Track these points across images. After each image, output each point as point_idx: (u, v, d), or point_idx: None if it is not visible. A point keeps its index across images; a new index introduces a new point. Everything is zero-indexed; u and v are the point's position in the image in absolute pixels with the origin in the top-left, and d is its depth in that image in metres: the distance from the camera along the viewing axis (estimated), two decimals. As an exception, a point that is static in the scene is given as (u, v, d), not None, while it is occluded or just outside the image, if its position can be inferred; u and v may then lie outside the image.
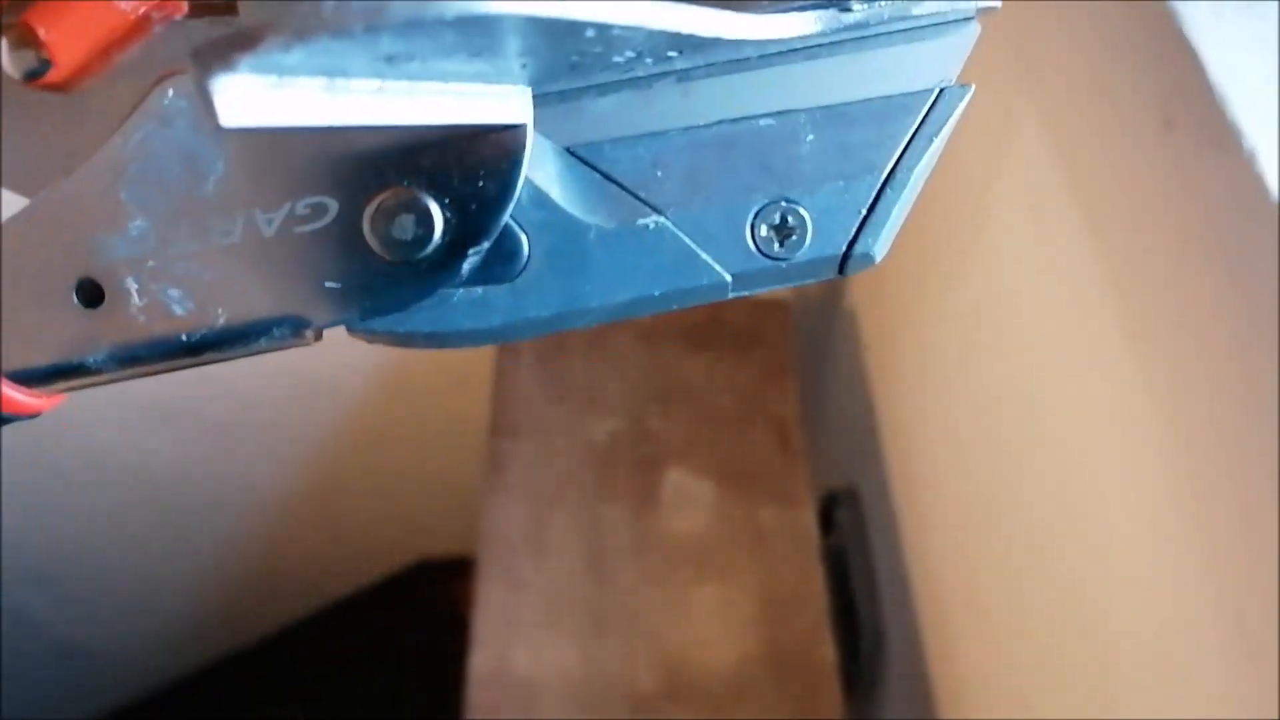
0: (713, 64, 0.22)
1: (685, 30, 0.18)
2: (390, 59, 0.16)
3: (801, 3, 0.21)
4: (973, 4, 0.22)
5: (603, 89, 0.21)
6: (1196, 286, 0.54)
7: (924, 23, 0.22)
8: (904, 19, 0.21)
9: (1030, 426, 0.76)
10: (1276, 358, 0.46)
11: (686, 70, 0.21)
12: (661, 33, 0.18)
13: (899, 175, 0.22)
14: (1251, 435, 0.49)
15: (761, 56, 0.21)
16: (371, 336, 0.21)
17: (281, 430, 1.39)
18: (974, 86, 0.22)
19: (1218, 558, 0.53)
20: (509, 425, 1.21)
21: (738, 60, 0.21)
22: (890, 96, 0.22)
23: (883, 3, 0.21)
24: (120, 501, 1.39)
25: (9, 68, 0.20)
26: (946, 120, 0.22)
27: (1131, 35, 0.59)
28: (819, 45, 0.21)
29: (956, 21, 0.22)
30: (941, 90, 0.22)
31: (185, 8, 0.20)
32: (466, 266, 0.20)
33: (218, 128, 0.15)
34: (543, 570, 1.12)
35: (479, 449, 1.21)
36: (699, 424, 1.20)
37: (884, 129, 0.22)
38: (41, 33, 0.19)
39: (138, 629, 1.68)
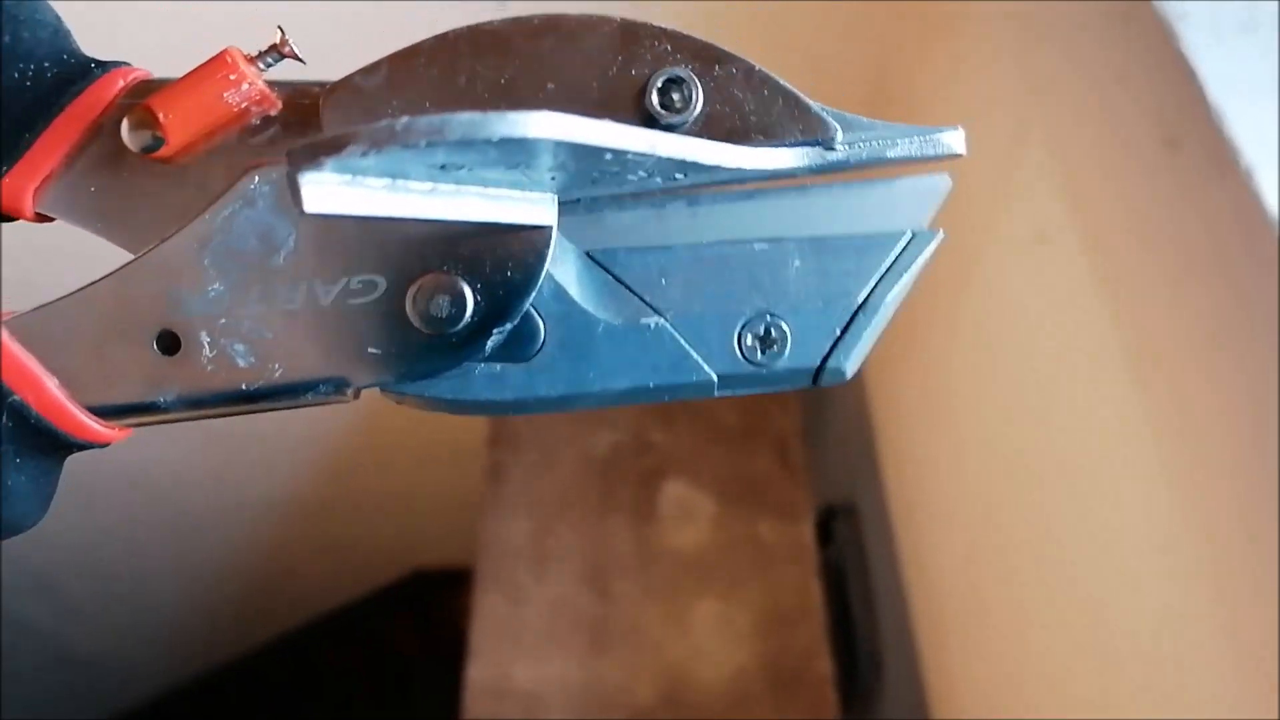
0: (717, 194, 0.25)
1: (689, 158, 0.22)
2: (444, 167, 0.20)
3: (791, 140, 0.24)
4: (949, 147, 0.25)
5: (621, 204, 0.25)
6: (1197, 305, 0.54)
7: (899, 161, 0.25)
8: (881, 160, 0.24)
9: (1030, 443, 0.76)
10: (1276, 375, 0.46)
11: (693, 194, 0.25)
12: (669, 159, 0.21)
13: (871, 303, 0.25)
14: (1253, 455, 0.50)
15: (758, 189, 0.25)
16: (400, 399, 0.24)
17: (282, 440, 1.39)
18: (942, 233, 0.25)
19: (1219, 574, 0.53)
20: (509, 437, 1.22)
21: (740, 189, 0.25)
22: (870, 234, 0.25)
23: (861, 145, 0.24)
24: (120, 512, 1.38)
25: (129, 142, 0.24)
26: (916, 259, 0.25)
27: (1133, 57, 0.59)
28: (810, 179, 0.25)
29: (930, 175, 0.25)
30: (914, 234, 0.25)
31: (280, 105, 0.24)
32: (491, 343, 0.23)
33: (301, 213, 0.18)
34: (542, 582, 1.12)
35: (479, 460, 1.22)
36: (700, 438, 1.20)
37: (862, 262, 0.25)
38: (161, 116, 0.23)
39: (137, 638, 1.68)
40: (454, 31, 0.23)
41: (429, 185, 0.21)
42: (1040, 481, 0.75)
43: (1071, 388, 0.69)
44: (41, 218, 0.24)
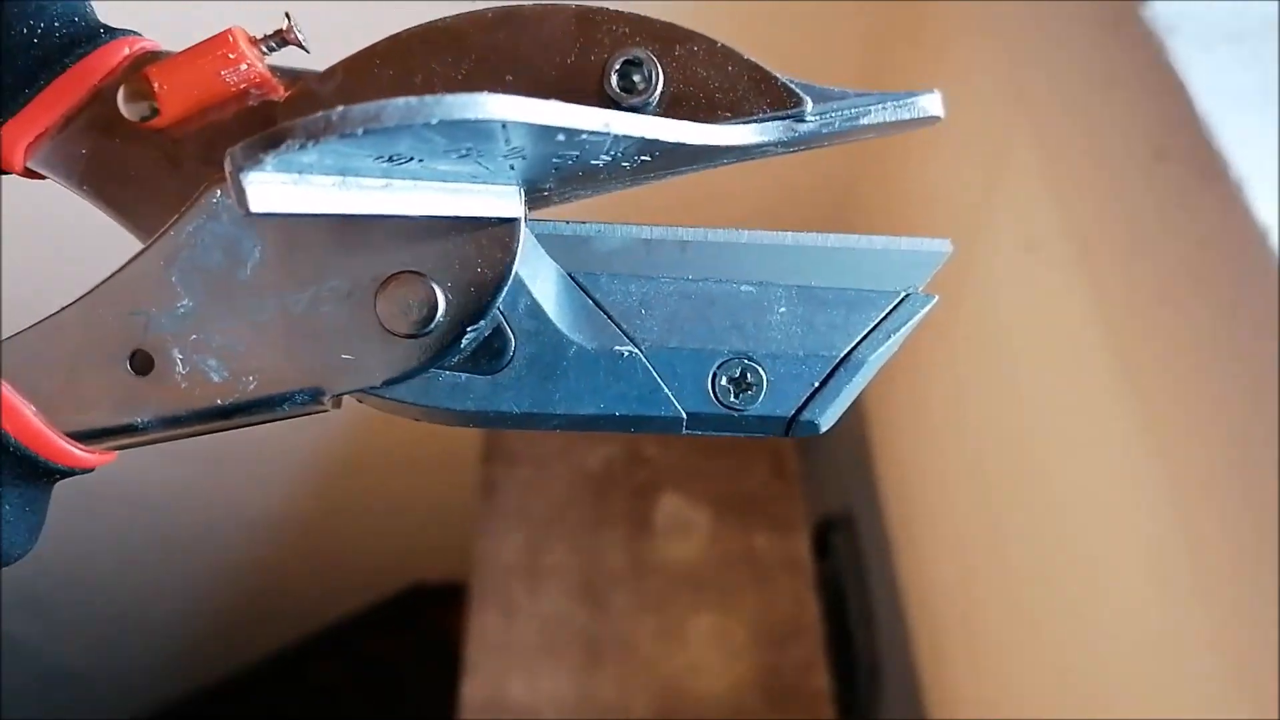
0: (709, 233, 0.24)
1: (648, 135, 0.21)
2: (392, 159, 0.19)
3: (761, 115, 0.23)
4: (924, 109, 0.24)
5: (610, 229, 0.24)
6: (1187, 314, 0.54)
7: (873, 128, 0.24)
8: (855, 128, 0.24)
9: (1023, 453, 0.76)
10: (1275, 384, 0.46)
11: (685, 233, 0.24)
12: (627, 138, 0.21)
13: (853, 359, 0.24)
14: (1246, 462, 0.49)
15: (752, 234, 0.24)
16: (362, 399, 0.24)
17: (275, 455, 1.39)
18: (937, 298, 0.25)
19: (1210, 584, 0.53)
20: (503, 451, 1.21)
21: (733, 231, 0.24)
22: (861, 290, 0.25)
23: (833, 115, 0.23)
24: (113, 528, 1.38)
25: (124, 110, 0.23)
26: (907, 322, 0.25)
27: (1122, 67, 0.59)
28: (796, 236, 0.25)
29: (931, 239, 0.25)
30: (906, 295, 0.25)
31: (282, 92, 0.24)
32: (465, 341, 0.23)
33: (246, 214, 0.18)
34: (536, 597, 1.11)
35: (473, 474, 1.21)
36: (694, 450, 1.20)
37: (849, 316, 0.24)
38: (156, 86, 0.23)
39: (130, 654, 1.67)
40: (407, 31, 0.23)
41: (383, 181, 0.21)
42: (1034, 490, 0.75)
43: (1064, 397, 0.69)
44: (31, 174, 0.24)
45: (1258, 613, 0.48)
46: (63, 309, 0.23)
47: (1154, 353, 0.58)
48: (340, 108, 0.17)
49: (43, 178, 0.24)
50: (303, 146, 0.17)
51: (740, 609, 1.09)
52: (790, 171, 1.09)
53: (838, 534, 1.19)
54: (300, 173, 0.19)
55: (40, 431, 0.23)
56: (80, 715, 1.68)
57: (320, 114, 0.17)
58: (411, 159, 0.20)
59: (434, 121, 0.17)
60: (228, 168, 0.18)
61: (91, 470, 0.24)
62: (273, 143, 0.17)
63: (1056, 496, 0.71)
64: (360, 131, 0.17)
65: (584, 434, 1.21)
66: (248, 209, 0.18)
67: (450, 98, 0.17)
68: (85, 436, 0.23)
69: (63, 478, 0.24)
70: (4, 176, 0.25)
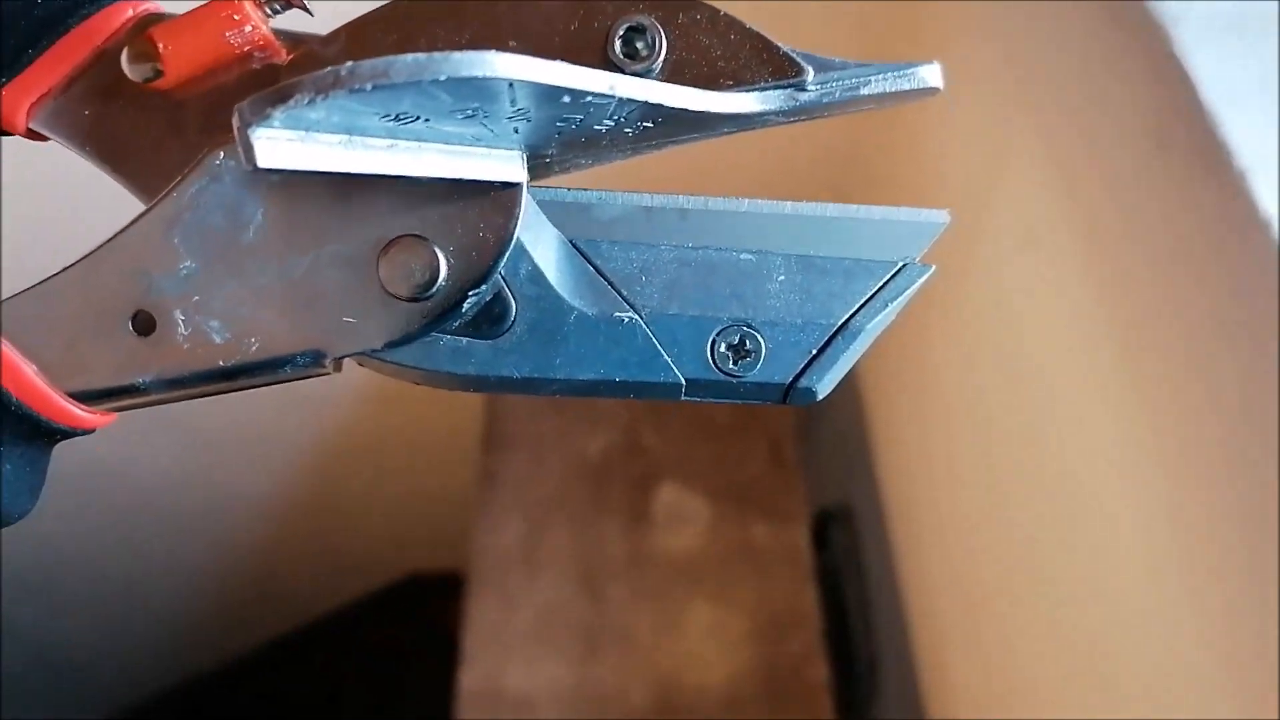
0: (709, 200, 0.25)
1: (651, 99, 0.21)
2: (398, 118, 0.19)
3: (762, 84, 0.23)
4: (924, 80, 0.24)
5: (611, 195, 0.25)
6: (1190, 305, 0.54)
7: (874, 98, 0.24)
8: (855, 97, 0.24)
9: (1024, 444, 0.76)
10: (1274, 373, 0.46)
11: (685, 201, 0.25)
12: (631, 101, 0.21)
13: (851, 328, 0.25)
14: (1248, 452, 0.49)
15: (752, 201, 0.25)
16: (363, 361, 0.24)
17: (274, 442, 1.39)
18: (934, 268, 0.25)
19: (1212, 577, 0.53)
20: (501, 439, 1.21)
21: (733, 199, 0.25)
22: (859, 259, 0.25)
23: (834, 84, 0.24)
24: (112, 514, 1.38)
25: (128, 71, 0.23)
26: (904, 291, 0.25)
27: (1125, 58, 0.59)
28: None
29: (929, 210, 0.25)
30: (904, 265, 0.25)
31: (284, 55, 0.24)
32: (467, 305, 0.23)
33: (253, 168, 0.18)
34: (534, 586, 1.11)
35: (471, 463, 1.21)
36: (693, 440, 1.20)
37: (847, 285, 0.25)
38: (160, 47, 0.23)
39: (128, 641, 1.67)
40: None
41: (387, 141, 0.21)
42: (1035, 482, 0.75)
43: (1066, 389, 0.69)
44: (34, 135, 0.24)
45: (1259, 612, 0.48)
46: (64, 270, 0.23)
47: (1156, 342, 0.57)
48: (349, 63, 0.17)
49: (45, 139, 0.24)
50: (311, 102, 0.17)
51: (738, 600, 1.10)
52: (793, 160, 1.09)
53: (836, 525, 1.19)
54: (307, 129, 0.19)
55: (42, 391, 0.23)
56: (78, 701, 1.68)
57: (329, 69, 0.17)
58: (417, 118, 0.20)
59: (442, 78, 0.17)
60: (235, 123, 0.18)
61: (92, 431, 0.24)
62: (281, 98, 0.17)
63: (1056, 486, 0.71)
64: (369, 87, 0.17)
65: (581, 422, 1.21)
66: (255, 164, 0.18)
67: (459, 55, 0.17)
68: (87, 397, 0.23)
69: (64, 438, 0.24)
70: (6, 138, 0.25)
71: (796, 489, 1.17)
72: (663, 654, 1.06)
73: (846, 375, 0.25)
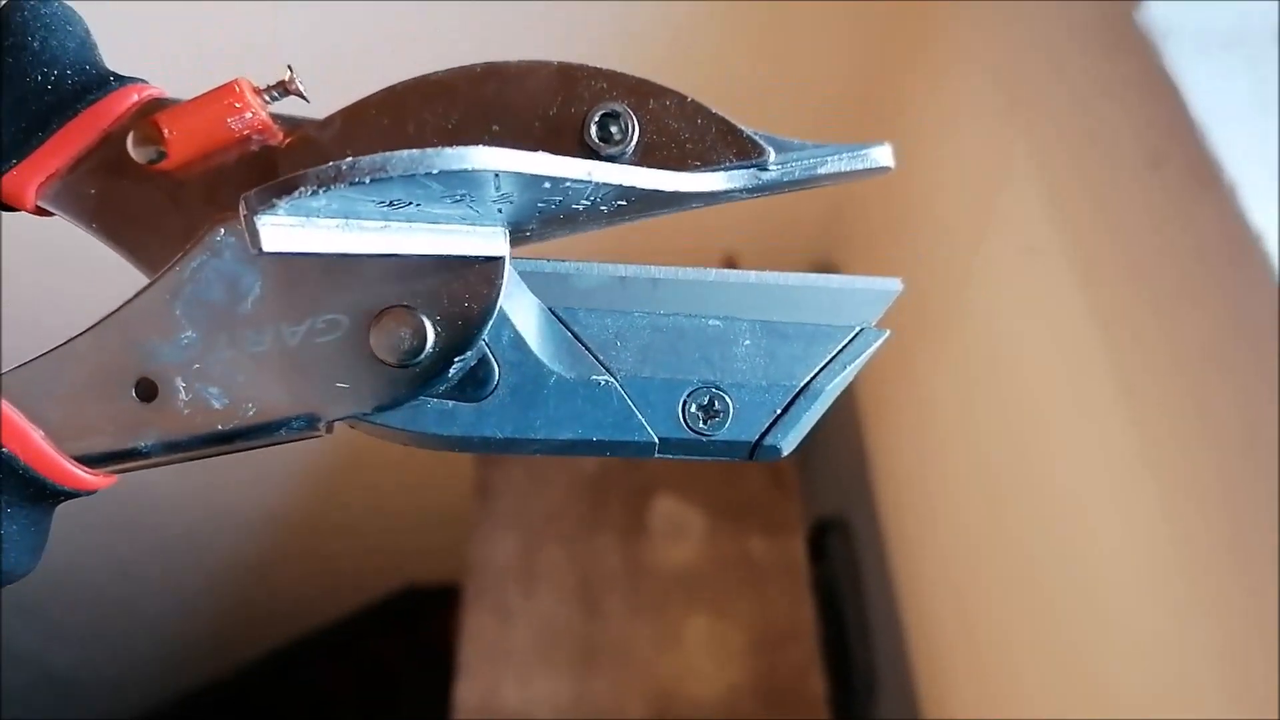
0: (678, 271, 0.26)
1: (626, 183, 0.23)
2: (392, 204, 0.21)
3: (727, 164, 0.25)
4: (876, 160, 0.26)
5: (587, 267, 0.26)
6: (1184, 321, 0.54)
7: (831, 177, 0.26)
8: (813, 177, 0.26)
9: (1019, 458, 0.76)
10: (1271, 386, 0.46)
11: (655, 272, 0.27)
12: (607, 185, 0.23)
13: (812, 389, 0.26)
14: (1243, 464, 0.49)
15: (719, 273, 0.27)
16: (354, 424, 0.26)
17: (270, 456, 1.38)
18: (889, 332, 0.27)
19: (1207, 590, 0.53)
20: (498, 455, 1.21)
21: (700, 270, 0.27)
22: (820, 324, 0.26)
23: (794, 164, 0.25)
24: (108, 529, 1.38)
25: (133, 153, 0.25)
26: (861, 354, 0.26)
27: (1117, 73, 0.59)
28: (758, 274, 0.27)
29: (883, 278, 0.27)
30: (861, 329, 0.27)
31: (281, 137, 0.25)
32: (453, 371, 0.24)
33: (259, 253, 0.20)
34: (532, 600, 1.11)
35: (468, 476, 1.21)
36: (690, 453, 1.20)
37: (809, 349, 0.26)
38: (165, 131, 0.24)
39: (125, 656, 1.67)
40: (402, 83, 0.25)
41: (381, 223, 0.23)
42: (1031, 495, 0.75)
43: (1060, 404, 0.69)
44: (41, 211, 0.26)
45: (1256, 617, 0.48)
46: (71, 339, 0.24)
47: (1151, 357, 0.58)
48: (350, 158, 0.19)
49: (51, 214, 0.26)
50: (314, 193, 0.19)
51: (735, 613, 1.09)
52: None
53: (833, 538, 1.19)
54: (308, 216, 0.21)
55: (48, 455, 0.24)
56: (74, 717, 1.68)
57: (331, 164, 0.19)
58: (410, 204, 0.22)
59: (434, 171, 0.19)
60: (242, 210, 0.20)
61: (94, 492, 0.25)
62: (286, 189, 0.19)
63: (1052, 500, 0.71)
64: (368, 180, 0.19)
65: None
66: (260, 249, 0.20)
67: (450, 150, 0.19)
68: (90, 460, 0.24)
69: (66, 499, 0.25)
70: (13, 213, 0.26)
71: (793, 501, 1.17)
72: (660, 667, 1.06)
73: (809, 432, 0.26)
